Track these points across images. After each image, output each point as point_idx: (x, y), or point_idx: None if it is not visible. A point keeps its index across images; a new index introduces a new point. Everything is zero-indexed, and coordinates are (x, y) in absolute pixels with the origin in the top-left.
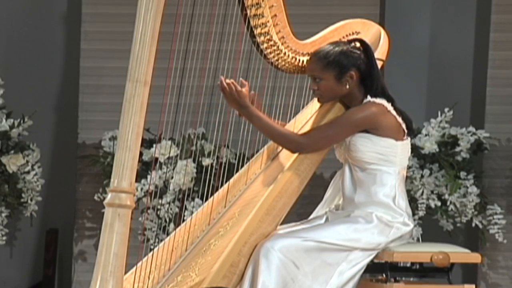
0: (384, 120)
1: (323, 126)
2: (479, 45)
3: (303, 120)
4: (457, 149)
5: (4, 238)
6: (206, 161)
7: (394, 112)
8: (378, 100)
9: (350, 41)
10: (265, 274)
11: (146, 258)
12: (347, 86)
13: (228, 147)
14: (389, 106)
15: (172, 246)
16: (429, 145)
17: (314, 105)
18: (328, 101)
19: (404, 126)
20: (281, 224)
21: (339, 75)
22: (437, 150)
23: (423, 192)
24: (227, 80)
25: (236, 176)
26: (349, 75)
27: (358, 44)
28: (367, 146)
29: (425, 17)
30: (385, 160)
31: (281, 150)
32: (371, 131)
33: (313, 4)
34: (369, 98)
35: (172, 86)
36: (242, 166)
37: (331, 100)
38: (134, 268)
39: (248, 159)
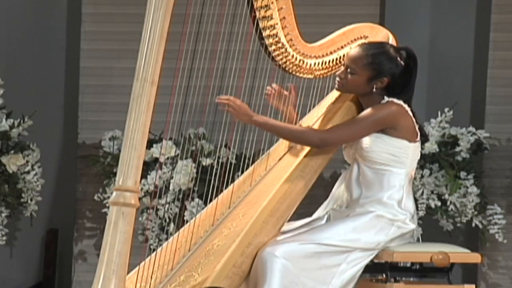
0: (402, 121)
1: (346, 123)
2: (479, 45)
3: (310, 122)
4: (457, 149)
5: (4, 238)
6: (206, 161)
7: (410, 113)
8: (396, 101)
9: (399, 48)
10: (268, 280)
11: (149, 258)
12: (374, 89)
13: (227, 146)
14: (406, 106)
15: (175, 247)
16: (429, 145)
17: (320, 109)
18: (346, 93)
19: (417, 127)
20: None
21: (373, 77)
22: (437, 150)
23: (423, 192)
24: (223, 98)
25: (240, 178)
26: (381, 80)
27: (405, 54)
28: (380, 147)
29: (425, 17)
30: (396, 161)
31: (286, 153)
32: (388, 131)
33: (313, 4)
34: (386, 98)
35: (179, 86)
36: (243, 166)
37: (349, 93)
38: (137, 267)
39: (248, 159)
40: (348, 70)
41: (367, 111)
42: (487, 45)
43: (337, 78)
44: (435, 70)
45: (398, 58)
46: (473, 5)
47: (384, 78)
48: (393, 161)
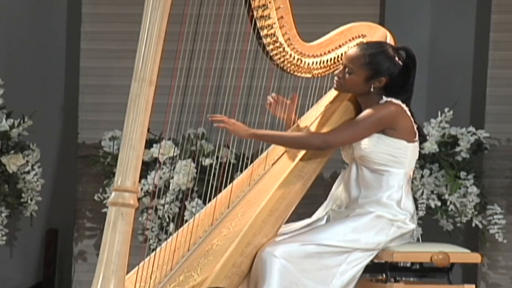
0: (401, 121)
1: (347, 124)
2: (479, 45)
3: (308, 122)
4: (457, 149)
5: (4, 238)
6: (206, 161)
7: (409, 113)
8: (395, 101)
9: (398, 48)
10: (268, 280)
11: (148, 258)
12: (371, 89)
13: (228, 147)
14: (404, 106)
15: (174, 246)
16: (429, 145)
17: (319, 108)
18: (344, 92)
19: (415, 127)
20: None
21: (371, 77)
22: (437, 150)
23: (423, 192)
24: (217, 116)
25: (239, 177)
26: (379, 80)
27: (404, 54)
28: (379, 147)
29: (425, 17)
30: (395, 162)
31: (284, 152)
32: (387, 131)
33: (313, 4)
34: (385, 98)
35: (177, 86)
36: (243, 166)
37: (347, 93)
38: (136, 267)
39: (248, 159)
40: (346, 69)
41: (367, 111)
42: (487, 45)
43: (335, 78)
44: (435, 70)
45: (397, 58)
46: (473, 5)
47: (382, 78)
48: (392, 162)
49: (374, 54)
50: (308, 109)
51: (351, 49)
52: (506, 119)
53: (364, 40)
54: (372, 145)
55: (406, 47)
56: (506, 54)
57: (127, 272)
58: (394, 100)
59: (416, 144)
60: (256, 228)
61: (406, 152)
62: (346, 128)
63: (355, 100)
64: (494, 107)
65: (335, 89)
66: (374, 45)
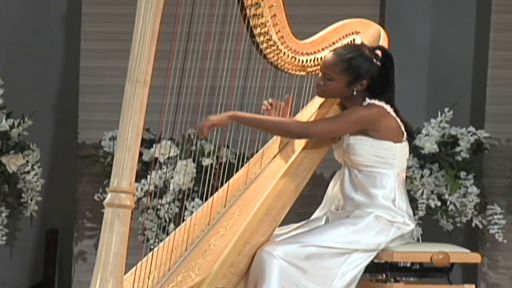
0: (384, 123)
1: (328, 118)
2: (479, 45)
3: (304, 119)
4: (457, 149)
5: (4, 238)
6: (206, 161)
7: (393, 114)
8: (378, 102)
9: (374, 48)
10: (267, 281)
11: (146, 258)
12: (354, 92)
13: (228, 147)
14: (388, 107)
15: (172, 246)
16: (429, 145)
17: (313, 105)
18: (327, 98)
19: (403, 127)
20: (281, 225)
21: (352, 81)
22: (437, 150)
23: (423, 192)
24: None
25: (235, 176)
26: (361, 83)
27: (380, 54)
28: (366, 149)
29: (425, 17)
30: (383, 163)
31: (280, 151)
32: (370, 133)
33: (313, 4)
34: (368, 100)
35: (171, 86)
36: (242, 166)
37: (331, 98)
38: (134, 268)
39: (248, 159)
40: (326, 76)
41: (349, 109)
42: (487, 45)
43: (316, 84)
44: (435, 70)
45: (374, 59)
46: (473, 5)
47: (363, 80)
48: (380, 163)
49: (352, 59)
50: (302, 108)
51: (327, 55)
52: (506, 119)
53: (358, 37)
54: (358, 148)
55: (381, 46)
56: (506, 54)
57: (126, 272)
58: (376, 102)
59: (405, 143)
60: (253, 227)
61: (394, 153)
62: (327, 120)
63: (342, 104)
64: (494, 107)
65: (318, 95)
66: (350, 48)
